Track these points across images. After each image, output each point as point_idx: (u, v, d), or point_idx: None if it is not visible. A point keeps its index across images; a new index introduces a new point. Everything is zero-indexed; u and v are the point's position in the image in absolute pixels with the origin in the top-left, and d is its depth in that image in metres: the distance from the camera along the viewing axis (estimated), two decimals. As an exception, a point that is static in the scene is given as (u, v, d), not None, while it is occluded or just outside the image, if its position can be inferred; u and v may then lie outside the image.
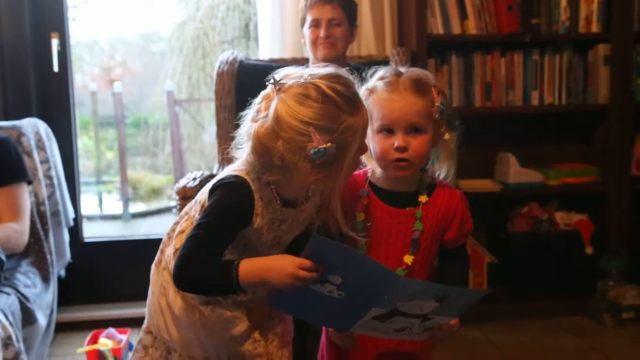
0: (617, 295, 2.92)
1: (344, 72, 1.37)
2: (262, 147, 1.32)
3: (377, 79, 1.52)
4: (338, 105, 1.31)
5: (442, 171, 1.57)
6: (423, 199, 1.54)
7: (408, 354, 1.58)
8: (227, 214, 1.36)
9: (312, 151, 1.29)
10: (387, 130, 1.49)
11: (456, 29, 2.96)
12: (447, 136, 1.53)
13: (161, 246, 1.55)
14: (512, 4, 2.94)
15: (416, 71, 1.53)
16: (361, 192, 1.55)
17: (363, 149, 1.39)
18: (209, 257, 1.35)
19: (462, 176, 3.02)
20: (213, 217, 1.36)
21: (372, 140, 1.51)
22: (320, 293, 1.35)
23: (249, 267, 1.33)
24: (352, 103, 1.33)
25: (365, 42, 3.02)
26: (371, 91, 1.51)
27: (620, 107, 3.03)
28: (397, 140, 1.47)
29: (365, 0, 2.98)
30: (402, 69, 1.54)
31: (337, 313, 1.40)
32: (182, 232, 1.48)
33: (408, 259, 1.51)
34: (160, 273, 1.52)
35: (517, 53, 3.03)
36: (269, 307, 1.49)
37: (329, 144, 1.30)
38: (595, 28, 3.02)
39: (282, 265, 1.31)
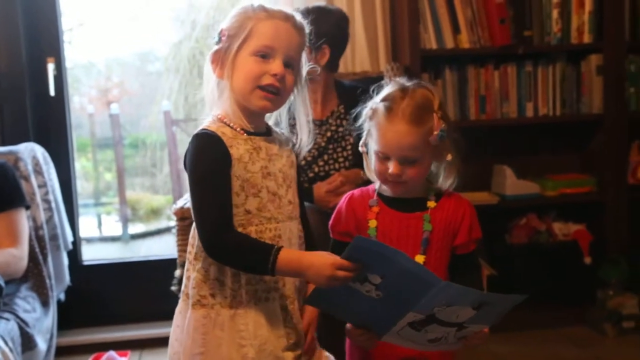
0: (617, 305, 2.91)
1: None
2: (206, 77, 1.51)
3: (381, 98, 1.56)
4: (247, 11, 1.47)
5: (443, 185, 1.62)
6: (431, 204, 1.59)
7: None
8: (208, 162, 1.43)
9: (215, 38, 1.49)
10: (384, 157, 1.54)
11: (449, 43, 2.98)
12: (449, 157, 1.57)
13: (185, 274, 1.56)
14: (504, 16, 2.96)
15: (421, 93, 1.55)
16: (370, 202, 1.60)
17: (257, 49, 1.45)
18: (241, 234, 1.41)
19: (458, 189, 3.01)
20: (200, 176, 1.42)
21: (373, 157, 1.58)
22: (359, 292, 1.38)
23: (289, 258, 1.38)
24: (256, 7, 1.47)
25: (359, 59, 3.03)
26: (374, 112, 1.56)
27: (614, 116, 3.04)
28: (392, 168, 1.52)
29: (358, 17, 3.00)
30: (410, 86, 1.56)
31: (374, 315, 1.42)
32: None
33: (420, 258, 1.55)
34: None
35: (511, 65, 3.05)
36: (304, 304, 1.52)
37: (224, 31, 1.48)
38: (587, 38, 3.04)
39: (321, 265, 1.36)
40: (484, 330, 1.49)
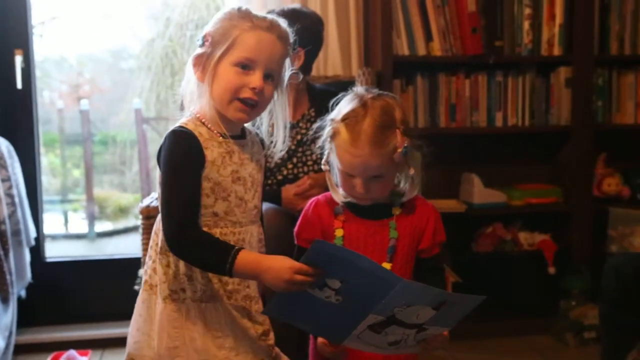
0: (579, 315, 2.95)
1: None
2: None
3: (342, 117, 1.53)
4: (232, 17, 1.47)
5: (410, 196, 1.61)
6: (396, 210, 1.59)
7: None
8: (181, 159, 1.44)
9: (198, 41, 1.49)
10: (349, 175, 1.53)
11: (421, 50, 2.99)
12: (412, 171, 1.57)
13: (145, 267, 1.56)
14: (476, 26, 2.99)
15: (380, 109, 1.51)
16: (336, 210, 1.59)
17: (238, 61, 1.45)
18: (204, 232, 1.42)
19: (427, 196, 3.01)
20: (172, 171, 1.43)
21: (337, 172, 1.56)
22: (318, 299, 1.37)
23: (248, 260, 1.38)
24: (242, 14, 1.47)
25: (331, 63, 3.03)
26: (335, 133, 1.53)
27: (581, 128, 3.07)
28: (357, 186, 1.52)
29: (331, 21, 3.00)
30: (369, 100, 1.52)
31: (334, 320, 1.42)
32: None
33: (386, 266, 1.54)
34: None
35: (481, 75, 3.07)
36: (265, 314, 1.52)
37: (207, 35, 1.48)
38: (557, 51, 3.07)
39: (279, 269, 1.35)
40: (444, 334, 1.49)
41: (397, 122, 1.52)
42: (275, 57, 1.48)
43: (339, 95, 1.59)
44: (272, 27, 1.47)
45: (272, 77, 1.49)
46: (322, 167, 1.62)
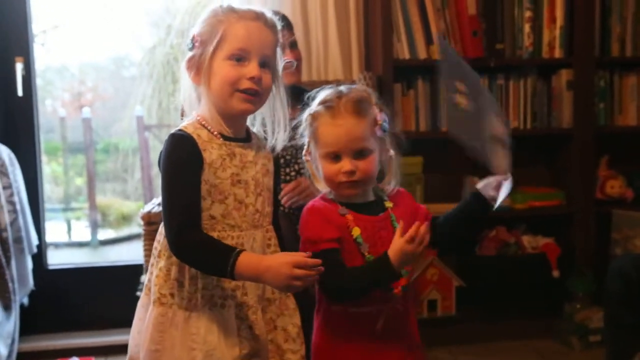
0: (584, 318, 2.93)
1: None
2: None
3: (319, 102, 1.57)
4: (217, 14, 1.47)
5: (389, 185, 1.64)
6: (389, 204, 1.61)
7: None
8: (179, 162, 1.43)
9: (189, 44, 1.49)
10: (334, 156, 1.54)
11: (422, 54, 2.99)
12: (391, 152, 1.60)
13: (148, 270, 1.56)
14: (477, 29, 2.98)
15: (357, 91, 1.58)
16: (340, 211, 1.57)
17: (231, 53, 1.44)
18: (205, 235, 1.41)
19: (429, 200, 3.02)
20: (171, 175, 1.43)
21: (320, 164, 1.57)
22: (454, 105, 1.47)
23: (249, 261, 1.36)
24: (226, 9, 1.47)
25: (332, 67, 3.04)
26: (314, 117, 1.57)
27: (583, 131, 3.06)
28: (344, 166, 1.53)
29: (332, 25, 3.01)
30: (344, 89, 1.58)
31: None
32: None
33: None
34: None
35: (482, 78, 3.06)
36: None
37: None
38: (558, 53, 3.07)
39: (279, 265, 1.33)
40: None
41: (373, 99, 1.58)
42: (267, 43, 1.48)
43: (312, 92, 1.62)
44: (258, 16, 1.48)
45: (267, 65, 1.48)
46: (304, 157, 1.62)
